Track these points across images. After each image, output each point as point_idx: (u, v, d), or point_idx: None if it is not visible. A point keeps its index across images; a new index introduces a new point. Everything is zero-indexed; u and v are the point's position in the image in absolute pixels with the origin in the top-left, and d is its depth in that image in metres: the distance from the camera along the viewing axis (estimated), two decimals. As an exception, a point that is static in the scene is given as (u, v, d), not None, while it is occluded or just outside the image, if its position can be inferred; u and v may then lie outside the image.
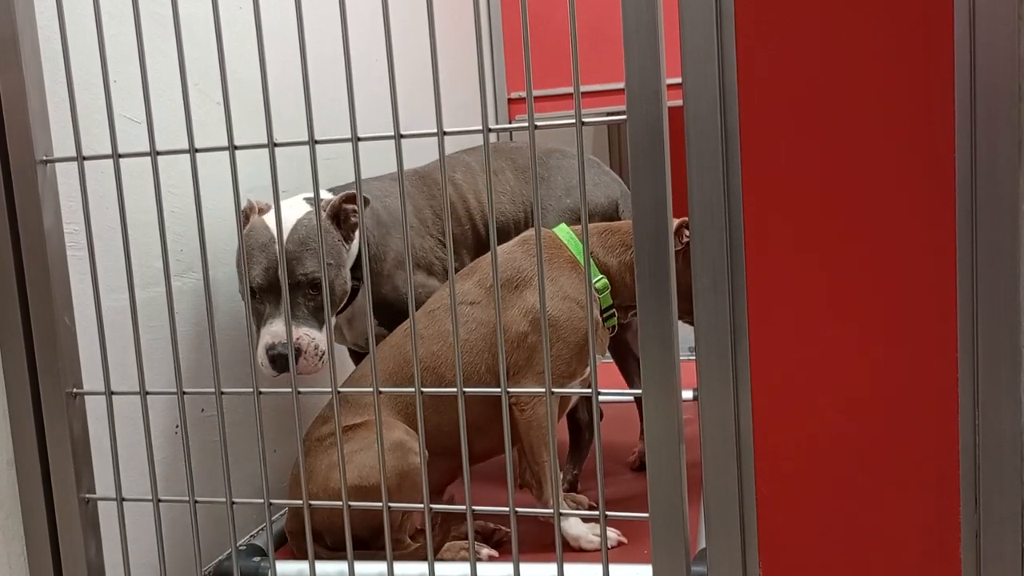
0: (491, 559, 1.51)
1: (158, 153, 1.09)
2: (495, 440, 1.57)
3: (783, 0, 0.90)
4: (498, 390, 1.02)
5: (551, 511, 1.04)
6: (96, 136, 1.36)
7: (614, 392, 1.00)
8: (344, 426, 1.52)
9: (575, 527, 1.53)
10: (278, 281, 1.48)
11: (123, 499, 1.15)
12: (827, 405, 0.94)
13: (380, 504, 1.07)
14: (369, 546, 1.50)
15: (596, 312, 1.58)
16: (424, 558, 1.46)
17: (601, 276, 1.61)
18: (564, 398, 1.63)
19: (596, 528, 1.54)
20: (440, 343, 1.55)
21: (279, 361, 1.46)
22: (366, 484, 1.43)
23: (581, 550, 1.52)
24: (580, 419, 1.84)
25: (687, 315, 1.56)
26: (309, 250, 1.51)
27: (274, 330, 1.47)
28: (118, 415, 1.37)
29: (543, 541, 1.56)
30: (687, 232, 1.54)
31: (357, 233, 1.61)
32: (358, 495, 1.43)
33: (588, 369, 1.60)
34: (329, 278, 1.54)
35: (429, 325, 1.57)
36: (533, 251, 1.59)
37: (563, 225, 1.66)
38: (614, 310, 1.63)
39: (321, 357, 1.48)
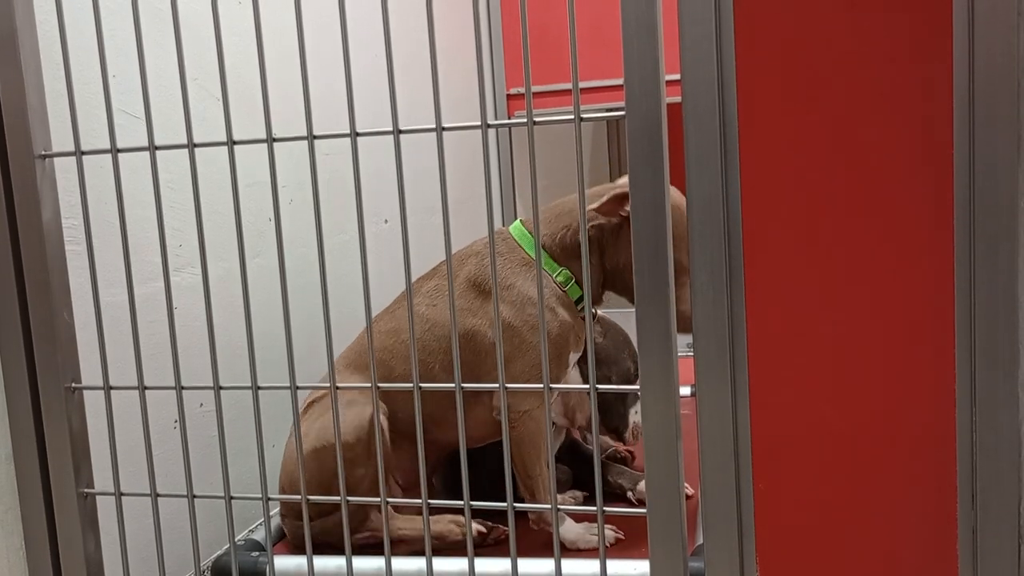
0: (480, 535, 1.52)
1: (157, 148, 1.09)
2: (455, 435, 1.56)
3: (782, -3, 0.90)
4: (496, 386, 1.02)
5: (547, 506, 1.04)
6: (95, 131, 1.36)
7: (611, 389, 1.00)
8: (315, 399, 1.61)
9: (571, 531, 1.53)
10: None
11: (121, 494, 1.15)
12: (824, 401, 0.94)
13: (379, 500, 1.07)
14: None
15: (564, 313, 1.53)
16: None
17: (561, 268, 1.55)
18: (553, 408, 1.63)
19: (592, 528, 1.54)
20: (393, 339, 1.57)
21: None
22: (326, 444, 1.49)
23: (579, 551, 1.52)
24: (585, 452, 1.82)
25: (626, 293, 1.56)
26: None
27: None
28: (116, 411, 1.37)
29: (540, 543, 1.55)
30: (626, 206, 1.47)
31: None
32: (321, 454, 1.49)
33: (569, 369, 1.58)
34: None
35: (388, 321, 1.60)
36: (500, 253, 1.56)
37: (517, 222, 1.61)
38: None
39: None
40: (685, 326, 1.01)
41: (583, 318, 1.58)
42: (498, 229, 1.64)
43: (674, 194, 1.57)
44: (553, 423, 1.72)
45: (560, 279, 1.54)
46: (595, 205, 1.50)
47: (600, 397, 1.75)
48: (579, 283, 1.56)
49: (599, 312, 1.78)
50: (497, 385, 1.02)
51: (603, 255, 1.56)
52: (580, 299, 1.56)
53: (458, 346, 1.01)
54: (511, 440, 1.54)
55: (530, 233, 1.56)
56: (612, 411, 1.77)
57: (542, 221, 1.59)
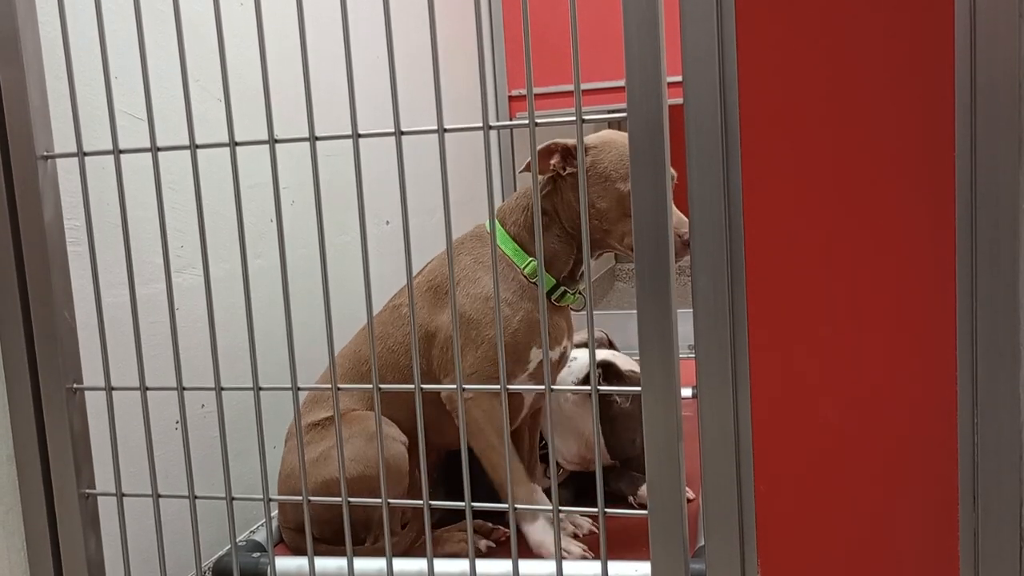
0: (489, 550, 1.51)
1: (159, 149, 1.09)
2: (440, 438, 1.57)
3: (784, -2, 0.90)
4: (497, 387, 1.02)
5: (549, 508, 1.04)
6: (97, 132, 1.36)
7: (613, 389, 1.00)
8: (313, 422, 1.55)
9: (539, 532, 1.48)
10: None
11: (123, 495, 1.15)
12: (825, 403, 0.94)
13: (379, 501, 1.07)
14: (355, 535, 1.49)
15: (528, 306, 1.50)
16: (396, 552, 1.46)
17: (530, 260, 1.51)
18: (515, 400, 1.57)
19: (563, 542, 1.46)
20: (379, 345, 1.57)
21: None
22: (349, 476, 1.43)
23: (540, 557, 1.45)
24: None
25: (614, 243, 1.52)
26: None
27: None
28: (118, 411, 1.37)
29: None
30: (553, 159, 1.47)
31: None
32: (337, 488, 1.42)
33: (531, 366, 1.52)
34: None
35: (376, 326, 1.59)
36: (472, 250, 1.55)
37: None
38: (562, 287, 1.53)
39: None
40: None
41: (567, 305, 1.56)
42: (479, 225, 1.62)
43: (614, 134, 1.56)
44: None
45: (528, 271, 1.51)
46: (522, 168, 1.49)
47: (624, 451, 1.73)
48: (551, 270, 1.53)
49: (628, 369, 1.74)
50: (498, 386, 1.02)
51: (561, 218, 1.53)
52: (555, 288, 1.53)
53: (458, 344, 1.01)
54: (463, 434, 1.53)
55: (501, 225, 1.56)
56: (637, 463, 1.76)
57: (509, 213, 1.56)
